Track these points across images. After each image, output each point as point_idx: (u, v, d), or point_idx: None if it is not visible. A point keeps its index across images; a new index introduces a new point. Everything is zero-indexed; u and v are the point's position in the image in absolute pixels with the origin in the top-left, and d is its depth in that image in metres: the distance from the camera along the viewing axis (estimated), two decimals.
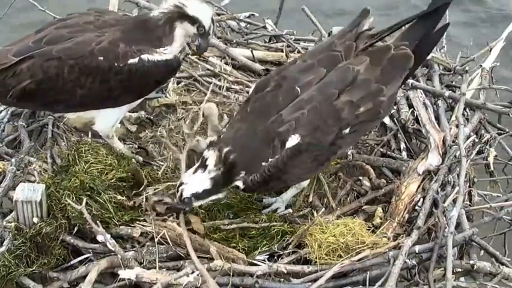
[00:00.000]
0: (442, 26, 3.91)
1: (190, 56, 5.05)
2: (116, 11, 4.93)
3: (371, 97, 3.70)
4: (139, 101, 4.15)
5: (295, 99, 3.68)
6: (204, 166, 3.68)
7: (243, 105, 3.93)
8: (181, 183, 3.70)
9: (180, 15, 3.93)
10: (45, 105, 4.03)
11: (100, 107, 4.03)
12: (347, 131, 3.68)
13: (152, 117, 4.63)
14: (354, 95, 3.67)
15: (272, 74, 3.97)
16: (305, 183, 4.03)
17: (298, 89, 3.71)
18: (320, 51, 3.93)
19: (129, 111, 4.47)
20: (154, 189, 4.02)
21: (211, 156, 3.66)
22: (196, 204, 3.75)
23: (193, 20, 3.95)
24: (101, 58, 3.81)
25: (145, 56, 3.87)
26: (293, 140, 3.60)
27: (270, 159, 3.62)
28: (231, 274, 3.54)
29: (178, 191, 3.69)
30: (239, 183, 3.70)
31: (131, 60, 3.85)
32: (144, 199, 3.93)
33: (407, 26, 3.96)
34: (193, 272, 3.45)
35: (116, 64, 3.82)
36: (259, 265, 3.63)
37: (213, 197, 3.76)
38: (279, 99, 3.71)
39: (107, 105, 4.02)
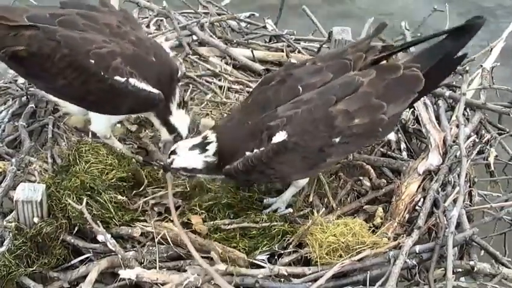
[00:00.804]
0: (461, 55, 3.77)
1: (190, 55, 5.06)
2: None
3: (369, 111, 3.63)
4: (116, 117, 4.17)
5: (295, 98, 3.68)
6: (203, 148, 3.76)
7: (247, 96, 3.99)
8: (175, 152, 3.81)
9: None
10: (29, 75, 4.06)
11: (75, 103, 4.05)
12: (337, 139, 3.62)
13: None
14: (351, 105, 3.60)
15: (280, 70, 3.98)
16: (304, 182, 4.02)
17: (301, 89, 3.69)
18: (332, 56, 3.90)
19: None
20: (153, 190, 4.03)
21: (214, 144, 3.74)
22: (182, 173, 3.93)
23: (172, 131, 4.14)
24: (92, 61, 3.80)
25: (132, 80, 3.85)
26: (280, 136, 3.59)
27: (255, 150, 3.63)
28: (234, 275, 3.54)
29: (169, 157, 3.81)
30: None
31: (117, 77, 3.82)
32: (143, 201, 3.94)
33: (424, 44, 3.93)
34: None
35: (102, 73, 3.81)
36: (260, 268, 3.62)
37: (199, 175, 3.92)
38: (280, 95, 3.72)
39: (82, 105, 4.04)
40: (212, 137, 3.78)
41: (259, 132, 3.64)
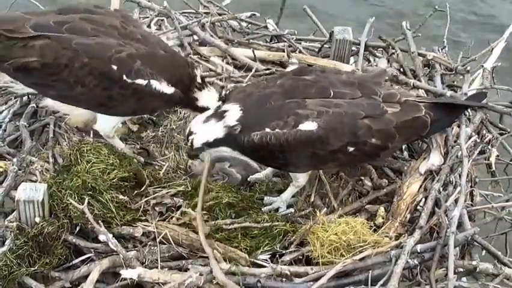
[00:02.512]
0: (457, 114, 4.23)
1: (191, 55, 5.05)
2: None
3: (385, 136, 3.83)
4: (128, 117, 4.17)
5: (325, 98, 3.79)
6: (220, 117, 3.76)
7: (274, 77, 4.04)
8: (190, 133, 3.80)
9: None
10: (38, 85, 4.00)
11: (92, 109, 4.06)
12: (351, 149, 3.78)
13: (154, 118, 4.63)
14: (375, 124, 3.79)
15: (316, 68, 4.18)
16: (302, 181, 4.03)
17: (332, 93, 3.83)
18: (366, 78, 4.12)
19: None
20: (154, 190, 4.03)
21: (233, 111, 3.75)
22: (207, 153, 3.85)
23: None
24: (115, 67, 3.82)
25: (154, 82, 3.88)
26: (309, 126, 3.68)
27: (276, 130, 3.67)
28: (239, 274, 3.54)
29: (188, 140, 3.79)
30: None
31: (139, 81, 3.86)
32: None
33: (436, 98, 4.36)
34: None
35: (125, 78, 3.83)
36: (262, 267, 3.62)
37: (225, 148, 3.84)
38: (311, 90, 3.83)
39: (99, 110, 4.04)
40: (229, 106, 3.80)
41: (285, 115, 3.70)
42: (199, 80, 4.10)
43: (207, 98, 4.09)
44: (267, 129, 3.70)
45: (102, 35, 3.88)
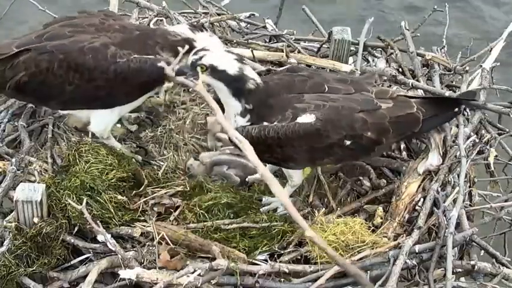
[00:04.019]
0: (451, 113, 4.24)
1: None
2: (117, 12, 4.94)
3: (379, 131, 3.83)
4: (130, 105, 4.13)
5: (320, 93, 3.80)
6: (242, 61, 3.67)
7: (270, 75, 4.03)
8: (204, 49, 3.64)
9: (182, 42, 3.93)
10: (40, 99, 4.08)
11: (91, 106, 4.06)
12: (348, 142, 3.77)
13: (152, 117, 4.62)
14: (370, 118, 3.79)
15: (308, 68, 4.21)
16: (298, 181, 4.02)
17: (326, 88, 3.84)
18: (357, 77, 4.20)
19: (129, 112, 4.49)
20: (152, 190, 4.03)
21: (252, 70, 3.69)
22: (202, 79, 3.53)
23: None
24: (89, 56, 3.84)
25: (133, 58, 3.87)
26: (307, 118, 3.67)
27: (275, 123, 3.67)
28: (238, 273, 3.54)
29: (195, 53, 3.62)
30: (238, 120, 3.71)
31: (118, 60, 3.86)
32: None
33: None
34: (194, 272, 3.45)
35: (103, 63, 3.84)
36: (261, 265, 3.62)
37: (223, 95, 3.68)
38: (306, 85, 3.84)
39: (96, 105, 4.04)
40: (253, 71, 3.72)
41: (283, 109, 3.71)
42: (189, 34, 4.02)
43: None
44: (265, 123, 3.69)
45: (78, 34, 3.94)
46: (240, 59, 3.70)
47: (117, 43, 3.90)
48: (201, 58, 3.60)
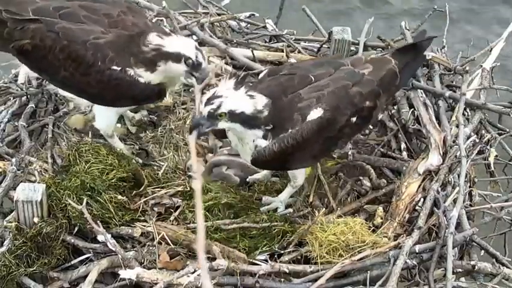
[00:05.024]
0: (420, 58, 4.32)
1: None
2: None
3: (373, 96, 3.85)
4: (123, 108, 4.14)
5: (310, 85, 3.79)
6: (251, 87, 3.61)
7: (255, 84, 3.87)
8: (217, 96, 3.46)
9: (162, 55, 3.84)
10: (35, 68, 4.12)
11: (80, 95, 4.07)
12: (354, 119, 3.79)
13: (154, 119, 4.62)
14: (363, 88, 3.82)
15: (284, 65, 4.21)
16: (301, 181, 4.02)
17: (313, 78, 3.82)
18: (329, 59, 4.18)
19: (131, 111, 4.48)
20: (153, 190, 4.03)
21: (258, 94, 3.60)
22: (219, 126, 3.52)
23: (177, 57, 3.84)
24: (90, 53, 3.83)
25: (129, 70, 3.84)
26: (315, 113, 3.67)
27: (290, 131, 3.65)
28: (238, 273, 3.54)
29: (211, 103, 3.44)
30: (260, 142, 3.63)
31: (114, 67, 3.83)
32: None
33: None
34: (194, 272, 3.45)
35: (100, 63, 3.83)
36: (261, 265, 3.62)
37: (238, 129, 3.58)
38: (294, 82, 3.81)
39: (85, 97, 4.06)
40: (256, 92, 3.62)
41: (291, 114, 3.68)
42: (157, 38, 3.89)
43: (176, 44, 3.86)
44: (281, 135, 3.64)
45: (90, 22, 3.91)
46: (250, 93, 3.58)
47: (121, 44, 3.86)
48: (219, 107, 3.47)
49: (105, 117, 4.13)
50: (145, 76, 3.86)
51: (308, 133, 3.64)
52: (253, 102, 3.55)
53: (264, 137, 3.65)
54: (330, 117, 3.69)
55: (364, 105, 3.81)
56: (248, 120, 3.56)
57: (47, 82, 4.45)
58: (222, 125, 3.53)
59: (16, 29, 3.91)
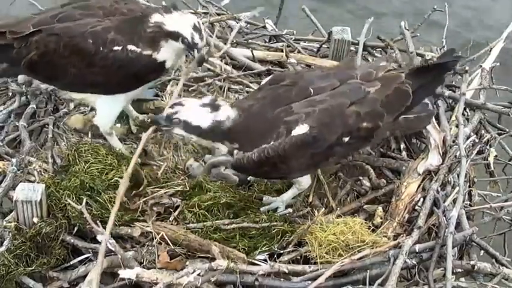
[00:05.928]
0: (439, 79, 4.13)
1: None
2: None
3: (373, 117, 3.80)
4: (132, 93, 4.14)
5: (307, 98, 3.78)
6: (215, 108, 3.70)
7: (254, 92, 4.01)
8: (180, 104, 3.71)
9: (162, 33, 3.90)
10: (48, 78, 4.16)
11: (89, 91, 4.10)
12: (346, 139, 3.75)
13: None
14: (362, 108, 3.76)
15: (289, 72, 4.22)
16: (306, 185, 4.03)
17: (312, 91, 3.81)
18: (338, 67, 4.14)
19: (137, 111, 4.48)
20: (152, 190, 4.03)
21: (226, 109, 3.71)
22: (175, 131, 3.76)
23: (175, 35, 3.89)
24: (90, 41, 3.88)
25: (130, 47, 3.89)
26: (301, 129, 3.66)
27: (271, 143, 3.67)
28: (238, 273, 3.54)
29: (172, 107, 3.71)
30: (236, 154, 3.74)
31: (116, 47, 3.88)
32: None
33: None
34: (193, 272, 3.45)
35: (102, 49, 3.88)
36: (260, 265, 3.62)
37: (195, 139, 3.80)
38: (291, 94, 3.81)
39: (94, 91, 4.08)
40: (227, 107, 3.75)
41: (277, 127, 3.70)
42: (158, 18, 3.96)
43: (177, 23, 3.92)
44: (264, 145, 3.68)
45: (86, 17, 3.98)
46: (213, 104, 3.72)
47: (118, 28, 3.92)
48: (174, 114, 3.70)
49: (107, 112, 4.14)
50: (153, 56, 3.91)
51: (290, 147, 3.65)
52: (213, 116, 3.67)
53: (231, 154, 3.77)
54: (317, 135, 3.67)
55: (360, 125, 3.76)
56: (205, 134, 3.72)
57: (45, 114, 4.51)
58: (178, 131, 3.76)
59: (22, 47, 3.96)
